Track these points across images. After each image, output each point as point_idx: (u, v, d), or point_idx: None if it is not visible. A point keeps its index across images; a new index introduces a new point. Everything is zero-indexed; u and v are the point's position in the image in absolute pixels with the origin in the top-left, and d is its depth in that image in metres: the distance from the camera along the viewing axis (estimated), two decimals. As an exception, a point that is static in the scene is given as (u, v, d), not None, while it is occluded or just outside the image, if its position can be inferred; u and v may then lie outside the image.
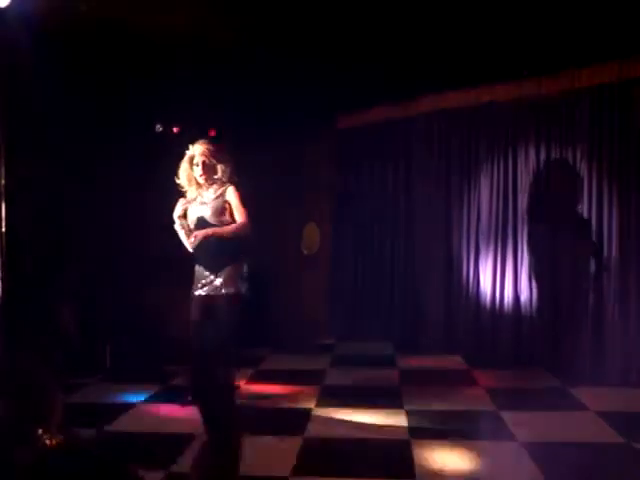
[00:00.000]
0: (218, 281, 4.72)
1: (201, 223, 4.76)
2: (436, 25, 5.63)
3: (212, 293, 4.69)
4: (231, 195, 4.78)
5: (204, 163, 4.79)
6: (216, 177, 4.83)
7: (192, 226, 4.81)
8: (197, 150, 4.84)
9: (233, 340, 4.81)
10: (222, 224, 4.71)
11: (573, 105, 6.42)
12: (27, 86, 5.61)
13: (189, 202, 4.86)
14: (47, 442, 2.08)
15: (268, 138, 7.92)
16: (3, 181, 4.99)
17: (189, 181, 4.87)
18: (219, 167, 4.83)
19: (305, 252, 8.63)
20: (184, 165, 4.87)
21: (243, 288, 5.02)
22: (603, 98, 6.18)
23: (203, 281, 4.74)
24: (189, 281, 4.99)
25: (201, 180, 4.81)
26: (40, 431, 1.98)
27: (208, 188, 4.85)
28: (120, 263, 7.30)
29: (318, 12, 5.39)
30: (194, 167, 4.82)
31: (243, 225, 4.68)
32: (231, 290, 4.72)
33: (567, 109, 6.48)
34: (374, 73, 6.69)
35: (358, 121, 8.25)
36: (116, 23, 5.37)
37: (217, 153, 4.87)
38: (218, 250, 4.71)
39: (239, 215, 4.72)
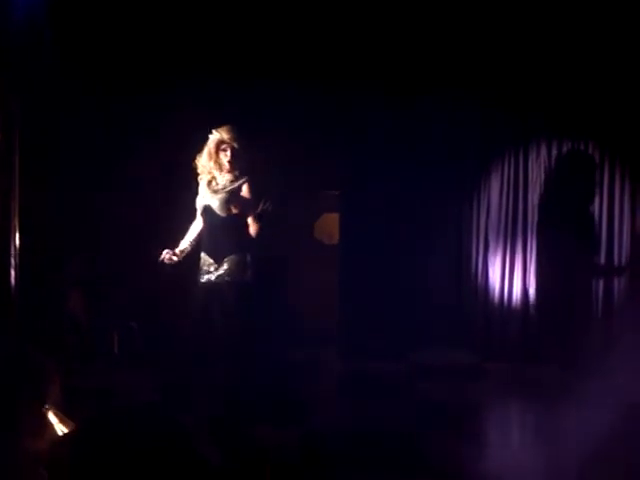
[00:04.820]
0: (222, 269, 4.71)
1: (208, 213, 4.74)
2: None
3: (216, 280, 4.69)
4: (246, 192, 4.72)
5: (233, 148, 4.65)
6: (239, 164, 4.71)
7: (198, 213, 4.80)
8: (226, 134, 4.67)
9: (247, 331, 4.80)
10: (229, 216, 4.67)
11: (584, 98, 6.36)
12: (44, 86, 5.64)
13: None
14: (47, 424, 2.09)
15: (283, 131, 7.87)
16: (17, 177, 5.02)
17: (216, 166, 4.71)
18: (244, 153, 4.72)
19: (326, 242, 8.62)
20: (209, 149, 4.70)
21: (247, 278, 4.91)
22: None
23: (207, 268, 4.74)
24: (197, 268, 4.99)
25: (228, 166, 4.67)
26: (42, 411, 1.98)
27: (225, 174, 4.74)
28: (131, 250, 7.29)
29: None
30: (220, 152, 4.68)
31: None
32: (235, 279, 4.71)
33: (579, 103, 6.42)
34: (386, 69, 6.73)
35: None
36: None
37: (244, 139, 4.73)
38: (223, 239, 4.72)
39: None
